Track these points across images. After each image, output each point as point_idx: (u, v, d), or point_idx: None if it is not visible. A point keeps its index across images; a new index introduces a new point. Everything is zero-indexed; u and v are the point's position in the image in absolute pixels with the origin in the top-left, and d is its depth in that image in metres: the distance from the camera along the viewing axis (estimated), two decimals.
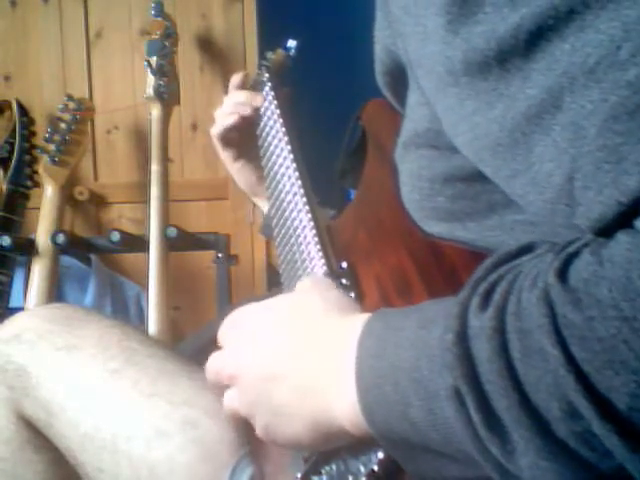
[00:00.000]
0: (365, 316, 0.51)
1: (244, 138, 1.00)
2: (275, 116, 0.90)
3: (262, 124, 0.93)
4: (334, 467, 0.56)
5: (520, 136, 0.45)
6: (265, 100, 0.96)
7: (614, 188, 0.39)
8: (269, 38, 1.81)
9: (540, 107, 0.43)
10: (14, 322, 0.87)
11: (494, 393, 0.40)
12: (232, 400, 0.58)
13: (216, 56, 1.92)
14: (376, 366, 0.47)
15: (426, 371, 0.43)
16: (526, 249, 0.45)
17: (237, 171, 1.03)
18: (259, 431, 0.56)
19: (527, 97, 0.44)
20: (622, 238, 0.38)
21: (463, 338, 0.42)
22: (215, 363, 0.60)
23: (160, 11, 1.72)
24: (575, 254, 0.40)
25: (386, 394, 0.46)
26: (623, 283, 0.37)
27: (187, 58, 1.89)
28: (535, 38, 0.43)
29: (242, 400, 0.57)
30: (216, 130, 1.00)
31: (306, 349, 0.53)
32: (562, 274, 0.39)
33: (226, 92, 1.06)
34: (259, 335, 0.57)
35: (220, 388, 0.60)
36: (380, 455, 0.50)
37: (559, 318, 0.38)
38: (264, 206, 1.03)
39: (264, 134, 0.91)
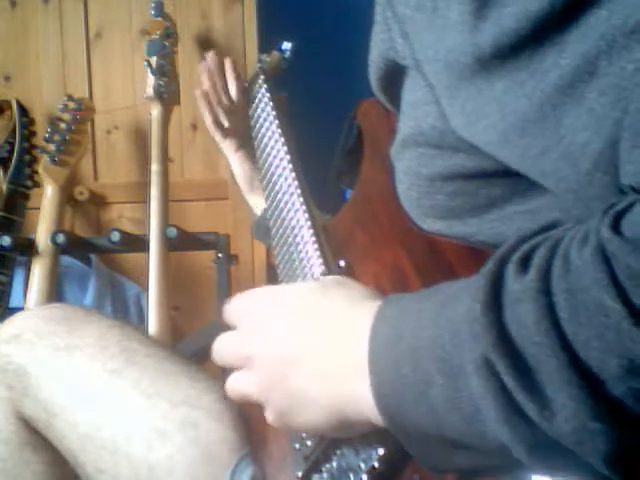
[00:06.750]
0: (377, 303, 0.50)
1: (240, 123, 1.00)
2: (271, 117, 0.91)
3: (257, 126, 0.93)
4: (335, 464, 0.56)
5: (549, 109, 0.45)
6: (261, 102, 0.96)
7: None
8: (269, 38, 1.81)
9: (573, 76, 0.43)
10: (14, 322, 0.87)
11: (540, 354, 0.39)
12: (242, 381, 0.57)
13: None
14: (392, 350, 0.46)
15: (450, 347, 0.42)
16: (550, 227, 0.45)
17: (238, 163, 1.04)
18: (272, 416, 0.55)
19: (559, 68, 0.44)
20: None
21: (493, 306, 0.41)
22: (228, 343, 0.59)
23: (160, 11, 1.72)
24: (625, 210, 0.40)
25: (404, 376, 0.45)
26: None
27: (187, 58, 1.89)
28: (570, 9, 0.43)
29: (256, 382, 0.56)
30: (208, 118, 1.01)
31: (325, 334, 0.52)
32: (615, 228, 0.39)
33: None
34: (278, 317, 0.55)
35: (227, 371, 0.59)
36: (380, 451, 0.51)
37: (621, 270, 0.37)
38: (259, 206, 1.03)
39: (260, 135, 0.91)
